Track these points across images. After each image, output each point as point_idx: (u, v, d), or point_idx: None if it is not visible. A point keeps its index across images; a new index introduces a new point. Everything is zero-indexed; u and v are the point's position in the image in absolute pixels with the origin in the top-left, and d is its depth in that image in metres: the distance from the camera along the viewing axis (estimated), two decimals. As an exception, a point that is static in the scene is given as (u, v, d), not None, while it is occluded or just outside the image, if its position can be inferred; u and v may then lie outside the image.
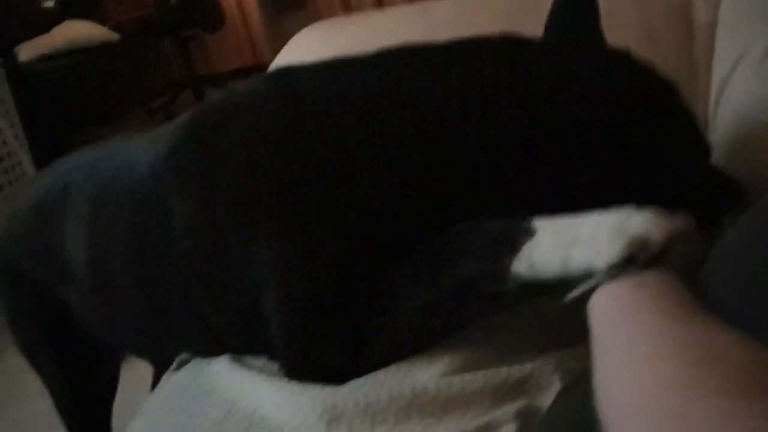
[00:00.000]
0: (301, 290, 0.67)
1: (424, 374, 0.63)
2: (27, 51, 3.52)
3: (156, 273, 0.78)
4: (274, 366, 0.73)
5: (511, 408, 0.58)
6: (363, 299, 0.66)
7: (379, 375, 0.64)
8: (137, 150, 0.82)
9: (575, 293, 0.52)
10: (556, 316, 0.69)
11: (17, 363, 2.09)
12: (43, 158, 3.23)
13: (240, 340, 0.76)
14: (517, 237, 0.57)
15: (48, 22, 3.83)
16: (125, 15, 4.37)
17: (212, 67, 4.99)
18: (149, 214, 0.77)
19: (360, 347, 0.66)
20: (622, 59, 0.72)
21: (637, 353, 0.43)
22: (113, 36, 3.89)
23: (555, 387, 0.60)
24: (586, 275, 0.52)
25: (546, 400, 0.59)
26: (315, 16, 4.65)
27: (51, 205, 0.90)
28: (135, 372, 1.14)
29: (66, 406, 1.11)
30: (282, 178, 0.69)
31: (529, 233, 0.56)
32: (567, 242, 0.54)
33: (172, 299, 0.79)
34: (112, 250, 0.81)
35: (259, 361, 0.74)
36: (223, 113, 0.75)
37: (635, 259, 0.50)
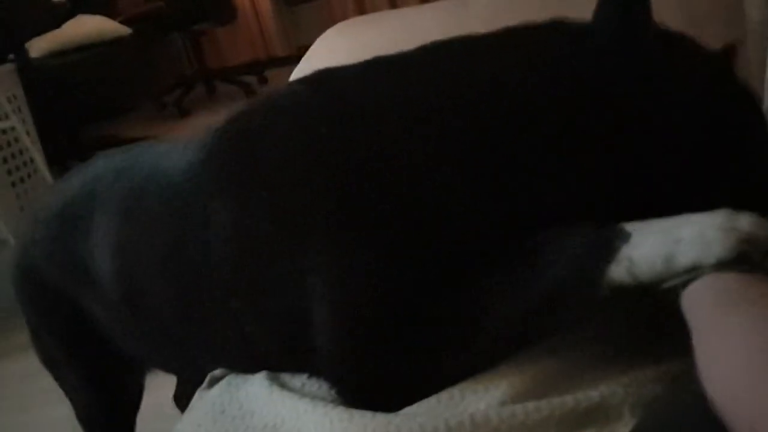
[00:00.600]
0: (357, 303, 0.63)
1: (481, 402, 0.59)
2: (38, 46, 3.49)
3: (191, 282, 0.75)
4: (315, 385, 0.69)
5: (581, 440, 0.54)
6: (433, 311, 0.62)
7: (432, 402, 0.60)
8: (169, 155, 0.79)
9: (677, 281, 0.53)
10: (619, 337, 0.65)
11: (37, 364, 2.08)
12: (53, 154, 3.21)
13: (280, 355, 0.72)
14: (612, 241, 0.55)
15: (59, 17, 3.80)
16: (136, 9, 4.34)
17: (224, 61, 4.97)
18: (185, 222, 0.73)
19: (428, 364, 0.62)
20: (682, 42, 0.68)
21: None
22: (124, 30, 3.86)
23: (626, 416, 0.56)
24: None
25: (616, 430, 0.55)
26: (327, 9, 4.62)
27: (77, 212, 0.86)
28: (157, 380, 1.11)
29: (88, 419, 1.08)
30: (331, 183, 0.65)
31: (623, 236, 0.55)
32: (670, 242, 0.53)
33: (207, 310, 0.75)
34: (144, 259, 0.78)
35: (299, 380, 0.71)
36: (263, 117, 0.72)
37: (746, 257, 0.50)
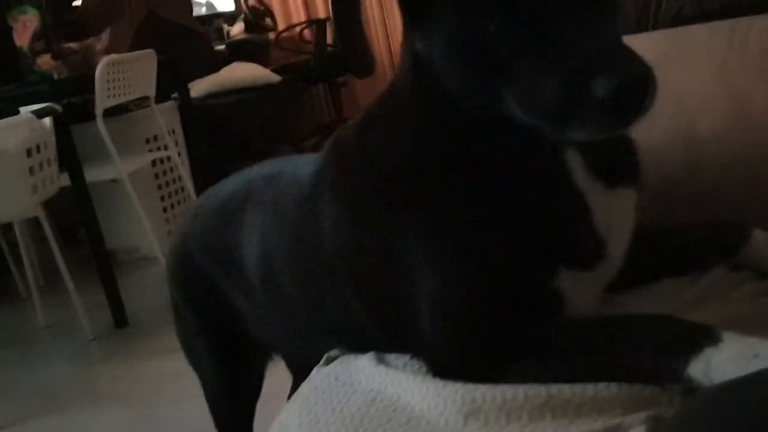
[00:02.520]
0: (454, 290, 0.73)
1: (557, 381, 0.67)
2: (198, 87, 3.86)
3: (310, 269, 0.88)
4: (417, 364, 0.79)
5: (641, 414, 0.61)
6: (523, 312, 0.71)
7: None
8: (305, 164, 0.93)
9: None
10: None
11: (165, 368, 2.28)
12: (202, 186, 3.50)
13: (385, 337, 0.83)
14: (701, 339, 0.60)
15: (218, 62, 4.18)
16: (286, 60, 4.68)
17: (360, 111, 5.21)
18: (306, 216, 0.88)
19: (505, 360, 0.70)
20: None
21: None
22: (275, 78, 4.18)
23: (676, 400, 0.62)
24: None
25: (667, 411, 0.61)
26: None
27: (233, 208, 1.01)
28: (273, 380, 1.23)
29: (216, 399, 1.22)
30: (413, 181, 0.76)
31: (713, 339, 0.60)
32: (748, 356, 0.57)
33: (323, 294, 0.88)
34: (279, 247, 0.92)
35: (402, 360, 0.81)
36: (354, 128, 0.87)
37: None
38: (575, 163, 0.73)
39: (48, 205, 2.61)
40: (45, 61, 2.93)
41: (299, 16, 5.29)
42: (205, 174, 3.52)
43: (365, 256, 0.81)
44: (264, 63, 4.37)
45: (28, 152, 2.37)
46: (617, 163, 0.76)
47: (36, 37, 2.94)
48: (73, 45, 3.04)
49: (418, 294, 0.75)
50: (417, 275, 0.75)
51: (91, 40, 3.13)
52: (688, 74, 0.98)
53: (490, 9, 0.64)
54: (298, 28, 4.96)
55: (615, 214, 0.76)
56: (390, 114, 0.81)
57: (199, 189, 3.44)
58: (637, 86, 0.59)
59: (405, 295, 0.77)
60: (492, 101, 0.68)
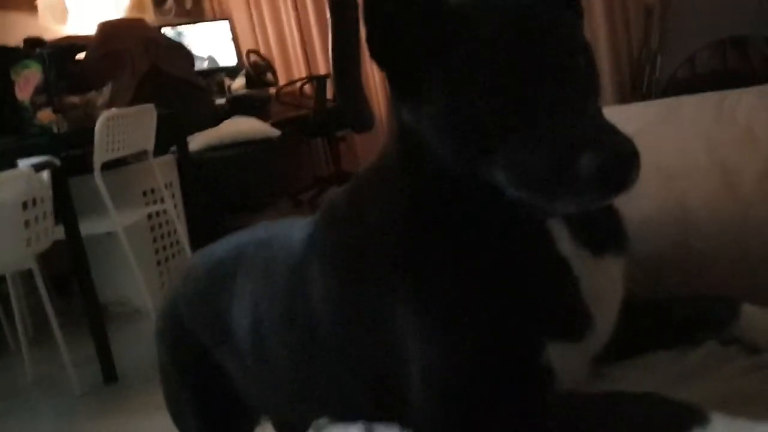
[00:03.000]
0: (444, 364, 0.72)
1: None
2: (197, 140, 3.88)
3: (299, 337, 0.87)
4: (405, 437, 0.78)
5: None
6: (513, 387, 0.70)
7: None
8: (297, 229, 0.93)
9: None
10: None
11: (153, 426, 2.23)
12: (197, 239, 3.49)
13: (373, 407, 0.81)
14: (689, 420, 0.60)
15: (218, 117, 4.22)
16: (285, 115, 4.73)
17: (358, 165, 5.26)
18: (296, 285, 0.87)
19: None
20: None
21: None
22: (274, 132, 4.21)
23: None
24: None
25: None
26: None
27: (225, 272, 1.01)
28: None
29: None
30: (404, 255, 0.76)
31: (702, 420, 0.60)
32: None
33: (312, 362, 0.87)
34: (269, 315, 0.91)
35: (390, 432, 0.80)
36: (341, 194, 0.87)
37: None
38: (561, 232, 0.74)
39: (42, 255, 2.60)
40: (45, 115, 2.94)
41: (300, 71, 5.37)
42: (201, 227, 3.52)
43: (354, 325, 0.80)
44: (264, 117, 4.41)
45: (24, 205, 2.37)
46: (603, 232, 0.77)
47: (38, 90, 2.96)
48: (74, 99, 3.06)
49: (406, 366, 0.75)
50: (405, 347, 0.74)
51: (92, 94, 3.15)
52: (678, 146, 0.99)
53: (478, 87, 0.66)
54: (298, 84, 5.02)
55: (602, 283, 0.76)
56: (379, 183, 0.82)
57: (195, 243, 3.43)
58: (623, 161, 0.60)
59: (393, 367, 0.76)
60: (479, 174, 0.69)
